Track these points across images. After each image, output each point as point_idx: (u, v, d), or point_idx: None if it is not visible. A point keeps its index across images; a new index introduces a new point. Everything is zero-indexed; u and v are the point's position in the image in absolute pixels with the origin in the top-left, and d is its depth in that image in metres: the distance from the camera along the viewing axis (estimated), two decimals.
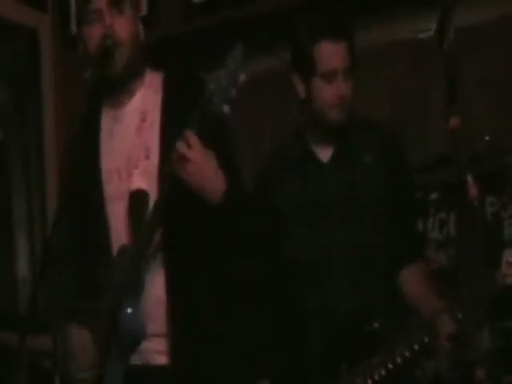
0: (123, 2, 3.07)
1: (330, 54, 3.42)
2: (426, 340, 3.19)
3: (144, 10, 5.01)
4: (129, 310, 2.91)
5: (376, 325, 3.35)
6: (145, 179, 3.01)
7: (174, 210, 2.91)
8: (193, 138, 2.82)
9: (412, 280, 3.46)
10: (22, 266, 5.26)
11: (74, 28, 5.37)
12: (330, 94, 3.43)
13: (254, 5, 4.96)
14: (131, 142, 3.09)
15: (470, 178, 3.08)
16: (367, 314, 3.38)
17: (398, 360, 3.22)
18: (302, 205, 3.52)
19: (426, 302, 3.36)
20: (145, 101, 3.12)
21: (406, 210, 3.56)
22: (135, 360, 3.00)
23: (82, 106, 3.15)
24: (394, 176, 3.51)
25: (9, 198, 5.32)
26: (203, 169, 2.86)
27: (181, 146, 2.82)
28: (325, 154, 3.54)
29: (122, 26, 3.04)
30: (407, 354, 3.21)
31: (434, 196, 4.41)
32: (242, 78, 2.78)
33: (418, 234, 3.76)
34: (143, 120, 3.09)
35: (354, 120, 3.50)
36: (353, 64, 3.45)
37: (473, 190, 3.08)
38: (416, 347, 3.21)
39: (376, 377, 3.25)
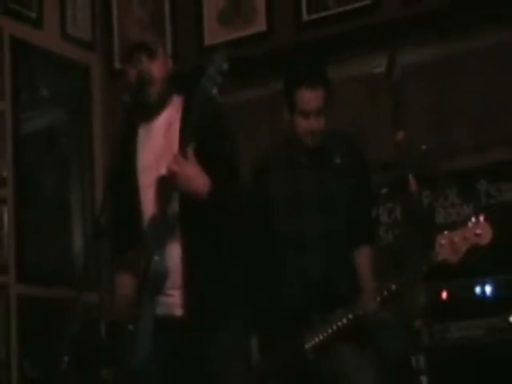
0: (157, 51, 3.12)
1: (307, 98, 3.39)
2: (378, 299, 3.24)
3: (168, 50, 5.00)
4: (156, 258, 2.96)
5: (341, 285, 3.38)
6: None
7: (187, 198, 2.96)
8: (178, 157, 2.89)
9: (360, 259, 3.46)
10: (77, 240, 5.25)
11: (117, 64, 5.38)
12: (304, 126, 3.42)
13: (253, 48, 4.97)
14: (160, 144, 3.12)
15: (411, 177, 3.10)
16: (335, 277, 3.40)
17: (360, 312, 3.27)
18: (288, 196, 3.51)
19: (366, 275, 3.41)
20: (170, 116, 3.15)
21: (364, 202, 3.56)
22: (159, 311, 3.02)
23: (121, 122, 3.21)
24: (356, 175, 3.50)
25: (68, 190, 5.30)
26: (188, 177, 2.92)
27: (171, 164, 2.90)
28: (304, 160, 3.52)
29: (156, 69, 3.10)
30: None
31: (384, 190, 4.37)
32: (226, 67, 2.83)
33: (372, 222, 3.75)
34: (168, 129, 3.12)
35: (327, 133, 3.49)
36: (326, 104, 3.42)
37: (413, 186, 3.10)
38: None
39: (339, 323, 3.28)
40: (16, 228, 4.88)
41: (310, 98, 3.39)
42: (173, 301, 3.01)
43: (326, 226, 3.45)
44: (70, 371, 2.92)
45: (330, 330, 3.28)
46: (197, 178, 2.94)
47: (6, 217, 4.83)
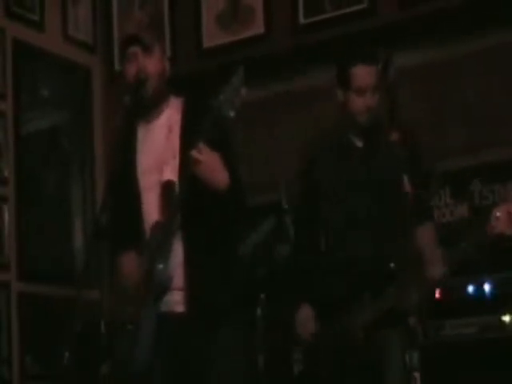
0: (152, 47, 3.09)
1: (361, 75, 3.39)
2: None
3: (168, 52, 5.01)
4: (161, 266, 2.92)
5: (392, 265, 3.30)
6: (173, 173, 3.00)
7: (190, 198, 2.91)
8: (203, 146, 2.84)
9: (423, 234, 3.39)
10: (78, 239, 5.26)
11: (117, 66, 5.36)
12: (360, 104, 3.40)
13: (251, 50, 4.97)
14: (162, 146, 3.07)
15: (405, 177, 3.10)
16: (386, 257, 3.33)
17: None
18: (340, 180, 3.49)
19: (431, 250, 3.34)
20: (170, 118, 3.10)
21: (419, 183, 3.39)
22: (163, 308, 2.98)
23: (120, 122, 3.17)
24: (409, 155, 3.34)
25: (69, 189, 5.31)
26: (211, 167, 2.88)
27: (195, 153, 2.85)
28: (358, 142, 3.49)
29: (151, 65, 3.05)
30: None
31: None
32: (244, 91, 2.79)
33: (430, 201, 3.70)
34: (170, 131, 3.08)
35: (380, 117, 3.43)
36: (378, 82, 3.39)
37: (407, 186, 3.09)
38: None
39: (389, 304, 3.24)
40: (17, 226, 4.89)
41: (365, 74, 3.39)
42: (174, 298, 2.99)
43: (378, 208, 3.40)
44: (71, 368, 2.91)
45: (383, 308, 3.23)
46: (219, 170, 2.92)
47: (7, 215, 4.85)
